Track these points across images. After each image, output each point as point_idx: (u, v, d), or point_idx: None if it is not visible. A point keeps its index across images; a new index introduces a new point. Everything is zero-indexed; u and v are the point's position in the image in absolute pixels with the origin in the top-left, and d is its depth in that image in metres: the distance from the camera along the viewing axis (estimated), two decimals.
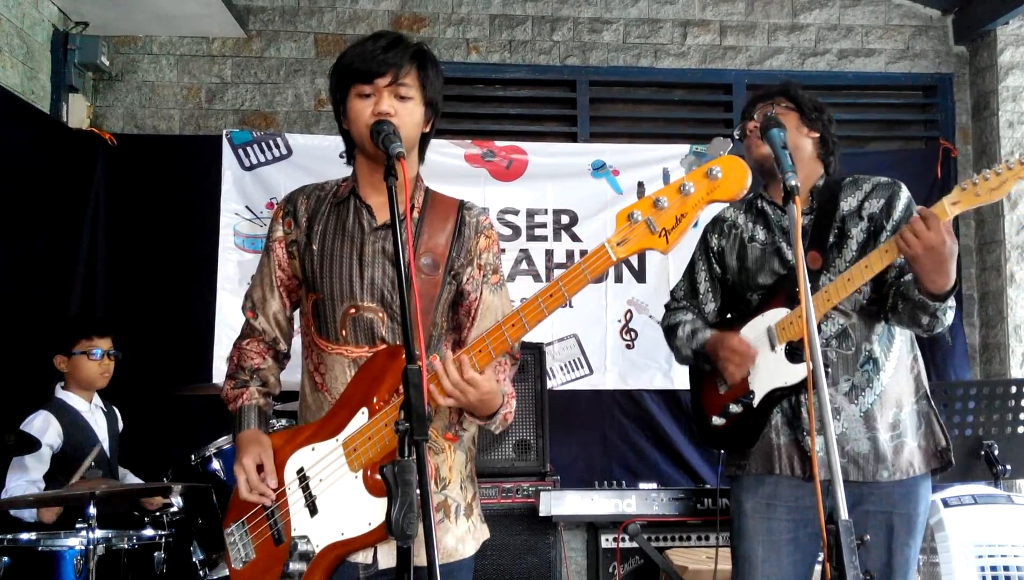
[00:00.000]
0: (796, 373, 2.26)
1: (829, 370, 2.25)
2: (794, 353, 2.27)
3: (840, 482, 1.67)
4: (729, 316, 2.54)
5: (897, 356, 2.33)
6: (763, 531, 2.31)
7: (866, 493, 2.23)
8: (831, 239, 2.33)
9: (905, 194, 2.37)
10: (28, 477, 3.20)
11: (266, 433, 1.97)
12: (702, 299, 2.57)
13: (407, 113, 1.87)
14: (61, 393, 3.43)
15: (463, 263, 1.95)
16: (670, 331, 2.58)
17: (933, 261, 2.06)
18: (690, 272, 2.60)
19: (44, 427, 3.27)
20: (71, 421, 3.37)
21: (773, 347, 2.31)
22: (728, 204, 2.52)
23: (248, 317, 2.06)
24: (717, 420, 2.42)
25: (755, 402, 2.33)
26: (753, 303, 2.41)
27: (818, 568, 2.39)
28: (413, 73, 1.87)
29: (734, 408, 2.37)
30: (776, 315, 2.31)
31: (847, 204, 2.37)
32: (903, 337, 2.36)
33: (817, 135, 2.41)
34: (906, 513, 2.26)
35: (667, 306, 2.67)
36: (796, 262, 1.80)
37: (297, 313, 2.07)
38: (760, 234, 2.44)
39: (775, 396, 2.30)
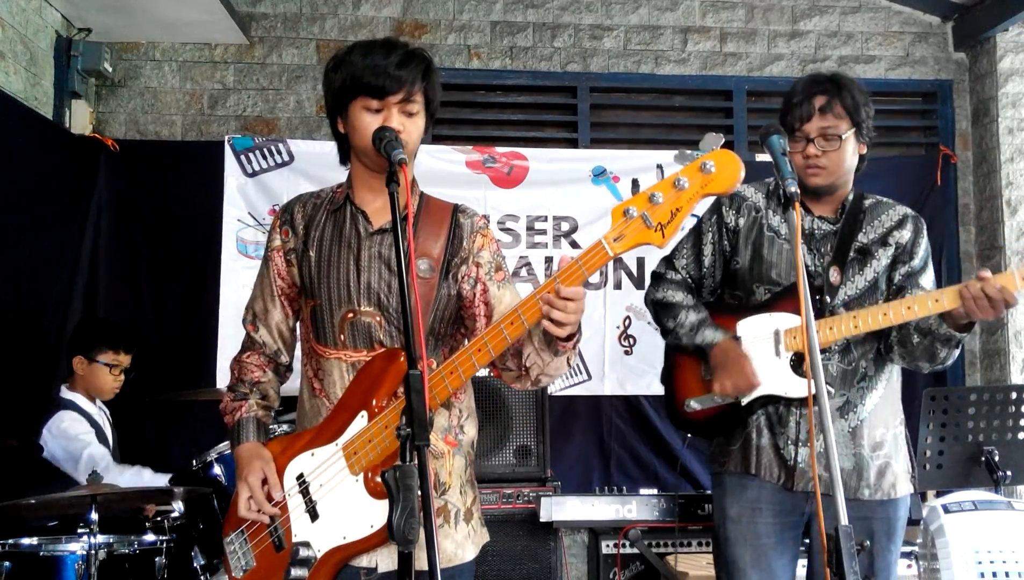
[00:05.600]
0: (798, 387, 2.22)
1: (831, 387, 2.24)
2: (800, 367, 2.23)
3: (840, 489, 1.67)
4: (728, 301, 2.45)
5: (887, 378, 2.35)
6: (750, 536, 2.30)
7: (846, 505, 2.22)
8: (851, 255, 2.32)
9: (926, 234, 2.39)
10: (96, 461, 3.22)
11: (264, 445, 1.97)
12: (705, 274, 2.45)
13: (415, 128, 1.89)
14: (68, 394, 3.43)
15: (458, 264, 1.96)
16: (665, 307, 2.44)
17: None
18: (696, 243, 2.45)
19: (76, 423, 3.29)
20: (89, 421, 3.40)
21: (778, 353, 2.26)
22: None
23: (249, 330, 2.06)
24: (694, 404, 2.36)
25: (744, 401, 2.29)
26: (759, 297, 2.35)
27: (800, 573, 2.40)
28: (421, 90, 1.89)
29: (718, 399, 2.32)
30: (788, 320, 2.27)
31: (872, 227, 2.36)
32: (871, 357, 2.36)
33: (864, 151, 2.37)
34: (885, 518, 2.29)
35: (661, 275, 2.50)
36: (796, 270, 1.79)
37: (299, 322, 2.08)
38: (781, 227, 2.37)
39: (766, 400, 2.29)
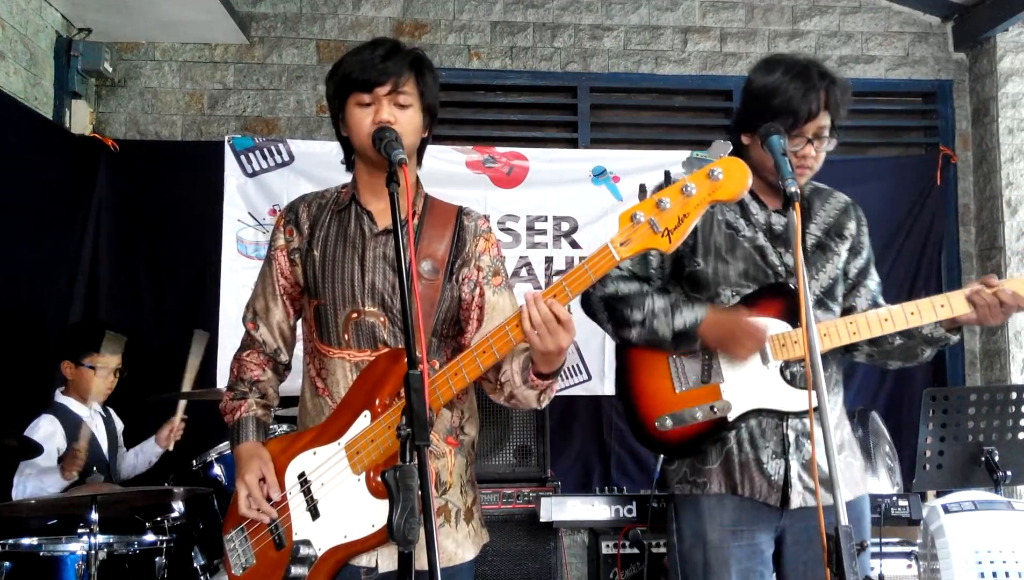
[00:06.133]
0: (793, 398, 2.09)
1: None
2: (789, 375, 2.10)
3: (841, 488, 1.66)
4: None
5: (842, 379, 2.28)
6: (733, 559, 2.12)
7: (811, 514, 2.05)
8: (810, 250, 2.21)
9: (865, 220, 2.32)
10: (42, 480, 3.20)
11: (264, 444, 1.98)
12: (652, 275, 2.22)
13: (407, 121, 1.89)
14: (62, 398, 3.43)
15: (460, 266, 1.97)
16: (621, 300, 2.15)
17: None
18: None
19: (51, 431, 3.28)
20: (73, 427, 3.38)
21: (765, 361, 2.11)
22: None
23: (248, 328, 2.07)
24: (668, 422, 2.12)
25: (731, 416, 2.10)
26: (725, 299, 2.16)
27: None
28: (412, 81, 1.90)
29: (699, 415, 2.11)
30: (771, 326, 2.11)
31: (821, 217, 2.27)
32: (838, 359, 2.26)
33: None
34: (855, 517, 2.12)
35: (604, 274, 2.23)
36: (797, 275, 1.77)
37: (299, 321, 2.08)
38: (737, 223, 2.20)
39: (752, 413, 2.11)
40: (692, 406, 2.13)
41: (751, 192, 2.22)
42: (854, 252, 2.29)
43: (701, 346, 2.14)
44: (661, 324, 2.12)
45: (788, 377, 2.12)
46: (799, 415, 2.11)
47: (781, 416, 2.12)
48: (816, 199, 2.30)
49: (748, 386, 2.12)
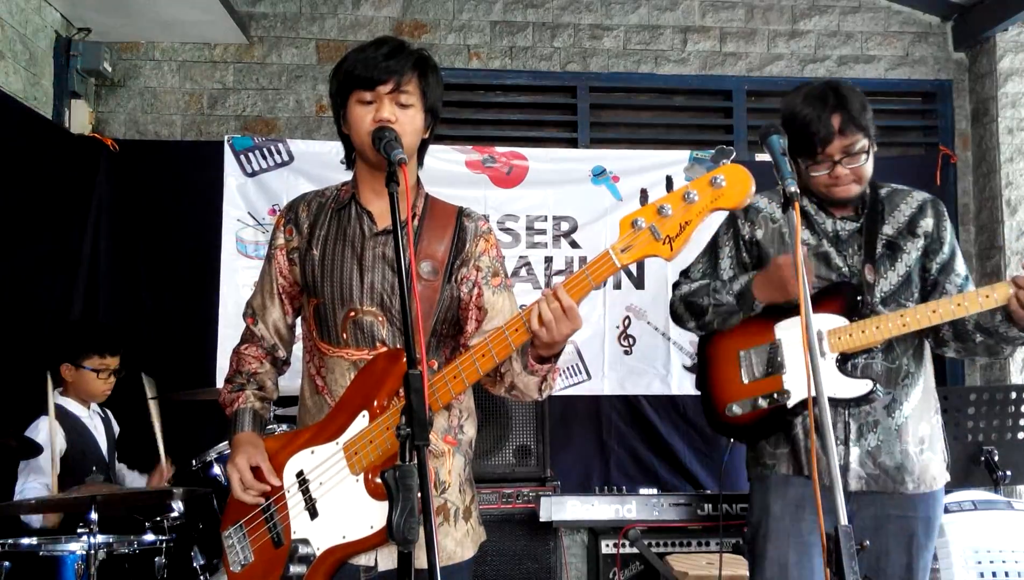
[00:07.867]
0: (846, 387, 2.23)
1: (877, 384, 2.24)
2: (850, 367, 2.25)
3: (840, 488, 1.66)
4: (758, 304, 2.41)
5: (925, 372, 2.36)
6: (794, 533, 2.27)
7: (887, 501, 2.26)
8: (879, 251, 2.32)
9: (947, 215, 2.39)
10: (42, 479, 3.21)
11: (261, 436, 1.99)
12: (725, 284, 2.45)
13: (408, 120, 1.88)
14: (60, 399, 3.42)
15: (459, 266, 1.97)
16: (693, 294, 2.44)
17: None
18: (712, 256, 2.48)
19: (51, 433, 3.27)
20: (72, 427, 3.38)
21: (822, 353, 2.25)
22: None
23: (248, 323, 2.08)
24: (736, 409, 2.35)
25: (789, 403, 2.28)
26: (795, 302, 2.30)
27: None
28: (414, 81, 1.89)
29: (762, 403, 2.32)
30: (829, 321, 2.26)
31: (894, 217, 2.36)
32: (928, 352, 2.37)
33: (875, 148, 2.34)
34: (926, 517, 2.29)
35: (679, 283, 2.53)
36: (796, 271, 1.78)
37: (299, 319, 2.09)
38: (803, 233, 2.34)
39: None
40: (756, 395, 2.33)
41: (817, 203, 2.36)
42: (932, 248, 2.35)
43: (762, 308, 2.33)
44: (723, 295, 2.38)
45: (846, 369, 2.25)
46: (856, 403, 2.25)
47: (840, 405, 2.24)
48: (889, 200, 2.39)
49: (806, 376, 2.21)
